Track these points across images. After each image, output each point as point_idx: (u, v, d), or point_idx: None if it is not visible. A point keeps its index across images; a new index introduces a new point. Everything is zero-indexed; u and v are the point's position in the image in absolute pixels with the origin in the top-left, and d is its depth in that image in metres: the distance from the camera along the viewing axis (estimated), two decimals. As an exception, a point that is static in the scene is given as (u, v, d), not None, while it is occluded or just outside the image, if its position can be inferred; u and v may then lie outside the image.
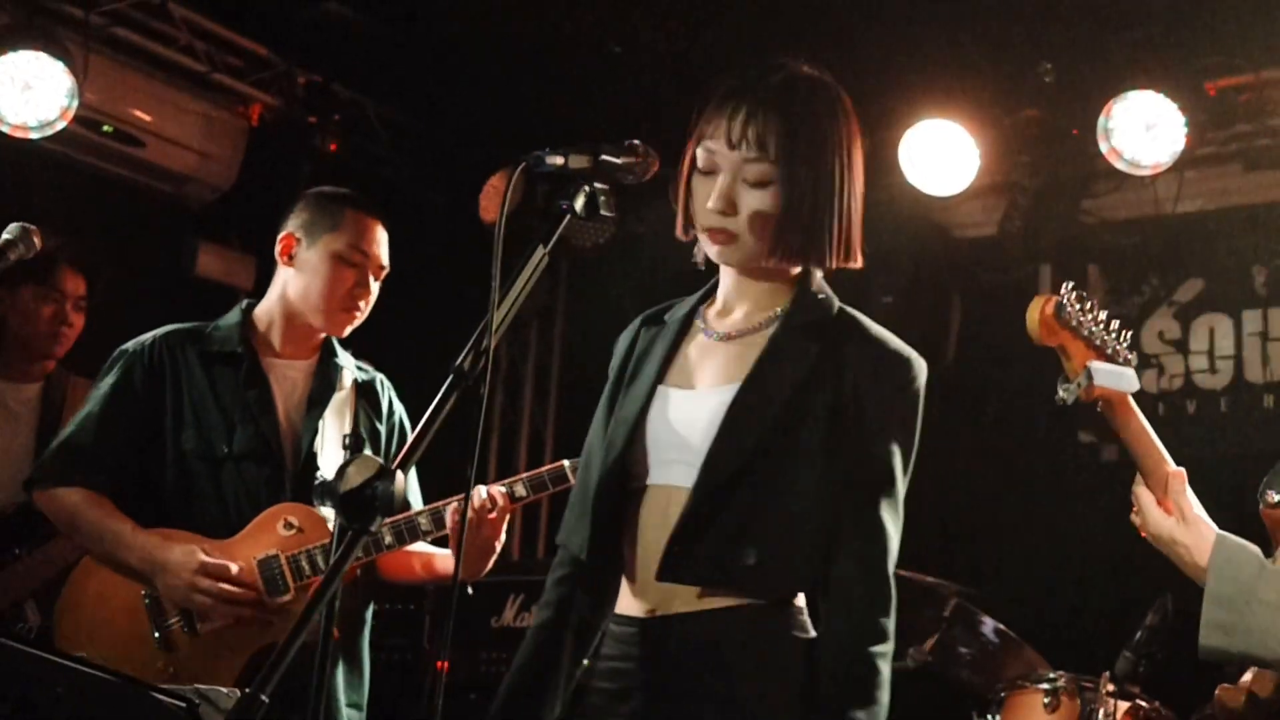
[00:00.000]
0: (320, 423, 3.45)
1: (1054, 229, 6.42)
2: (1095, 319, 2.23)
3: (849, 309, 2.51)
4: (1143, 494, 2.25)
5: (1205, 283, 6.39)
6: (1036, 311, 2.21)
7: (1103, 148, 5.61)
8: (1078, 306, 2.20)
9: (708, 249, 2.46)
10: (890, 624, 2.33)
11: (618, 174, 2.22)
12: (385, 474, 1.74)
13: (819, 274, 2.52)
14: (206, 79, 5.93)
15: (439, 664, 3.33)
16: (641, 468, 2.43)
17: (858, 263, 2.47)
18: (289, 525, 3.31)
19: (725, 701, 2.31)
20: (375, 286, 3.54)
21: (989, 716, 4.63)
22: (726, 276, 2.54)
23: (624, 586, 2.45)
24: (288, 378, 3.50)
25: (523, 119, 5.86)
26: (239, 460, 3.37)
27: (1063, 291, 2.21)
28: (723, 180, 2.40)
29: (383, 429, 3.57)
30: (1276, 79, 5.59)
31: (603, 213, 2.16)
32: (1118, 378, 2.22)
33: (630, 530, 2.42)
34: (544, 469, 3.40)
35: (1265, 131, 5.83)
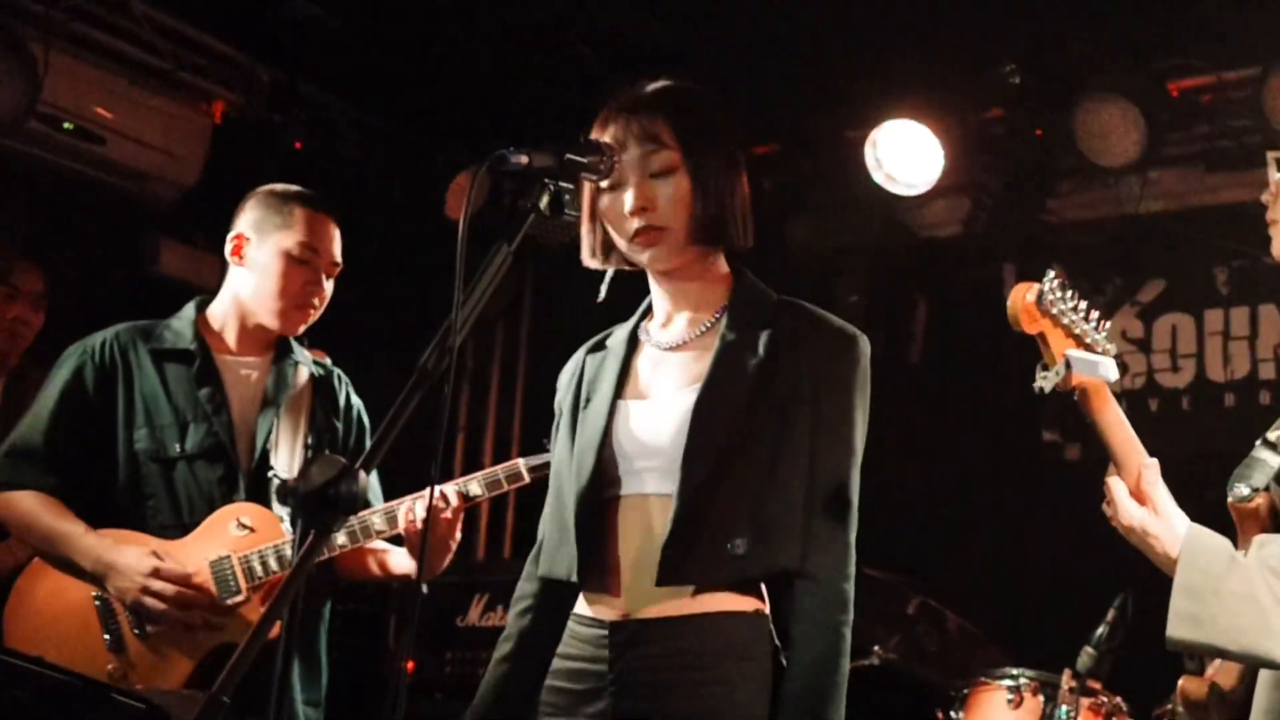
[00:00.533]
0: (275, 421, 3.42)
1: (1018, 229, 6.45)
2: (1075, 308, 2.24)
3: (786, 296, 2.58)
4: (1115, 485, 2.25)
5: (1167, 283, 6.44)
6: (1018, 298, 2.22)
7: (1066, 148, 5.64)
8: (1058, 295, 2.21)
9: (638, 257, 2.51)
10: (852, 592, 2.41)
11: (582, 173, 2.23)
12: (348, 474, 1.73)
13: (748, 273, 2.59)
14: (169, 76, 5.88)
15: (404, 664, 3.30)
16: (612, 480, 2.47)
17: (751, 242, 2.55)
18: (242, 525, 3.29)
19: (698, 702, 2.34)
20: (329, 284, 3.52)
21: (952, 713, 4.66)
22: (661, 289, 2.59)
23: (590, 595, 2.48)
24: (242, 376, 3.47)
25: (488, 118, 5.85)
26: (191, 460, 3.34)
27: (1045, 279, 2.21)
28: (632, 182, 2.46)
29: (340, 425, 3.55)
30: (1238, 80, 5.63)
31: (567, 211, 2.16)
32: (1096, 366, 2.23)
33: (607, 540, 2.46)
34: (499, 467, 3.38)
35: (1227, 132, 5.87)
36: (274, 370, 3.50)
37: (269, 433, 3.40)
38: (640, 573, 2.40)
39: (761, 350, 2.46)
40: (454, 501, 3.27)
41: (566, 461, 2.55)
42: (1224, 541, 2.18)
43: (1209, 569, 2.13)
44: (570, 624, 2.50)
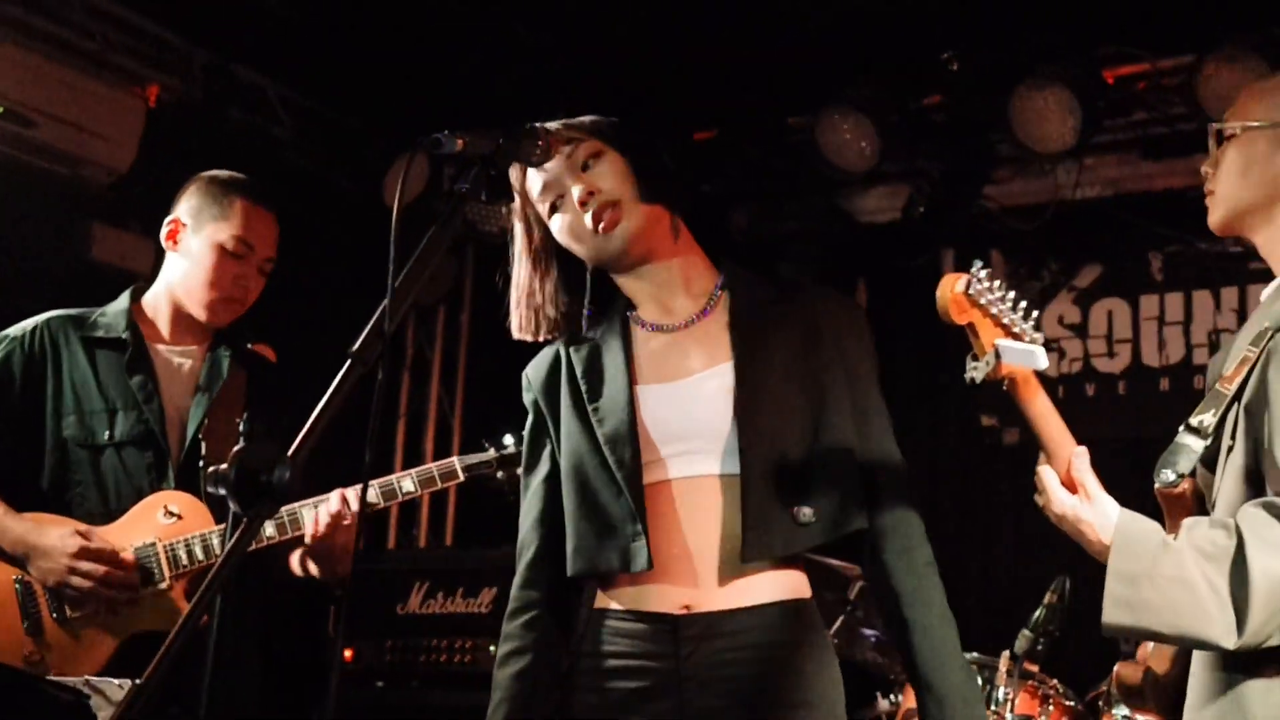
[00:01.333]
0: (207, 411, 3.39)
1: (956, 215, 6.50)
2: (1003, 298, 2.24)
3: (776, 274, 2.64)
4: (1046, 474, 2.27)
5: (1104, 268, 6.50)
6: (947, 289, 2.22)
7: (1004, 135, 5.69)
8: (986, 285, 2.22)
9: (605, 249, 2.49)
10: (925, 535, 2.52)
11: (520, 158, 2.21)
12: (280, 461, 1.71)
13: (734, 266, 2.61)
14: (102, 58, 5.79)
15: (341, 652, 3.28)
16: (656, 466, 2.43)
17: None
18: (169, 513, 3.26)
19: (775, 692, 2.35)
20: (261, 279, 3.48)
21: (892, 697, 4.69)
22: (644, 275, 2.55)
23: (635, 584, 2.43)
24: (175, 364, 3.43)
25: (428, 102, 5.81)
26: (120, 447, 3.30)
27: (973, 270, 2.22)
28: (569, 183, 2.48)
29: (274, 418, 3.51)
30: (1172, 68, 5.69)
31: (505, 196, 2.15)
32: (1026, 356, 2.24)
33: (662, 528, 2.41)
34: (434, 465, 3.37)
35: (1162, 120, 5.93)
36: (208, 359, 3.46)
37: (200, 422, 3.37)
38: (705, 558, 2.39)
39: (780, 324, 2.50)
40: (354, 506, 3.21)
41: (588, 454, 2.48)
42: (1155, 526, 2.21)
43: (1141, 554, 2.15)
44: (610, 621, 2.45)
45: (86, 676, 2.65)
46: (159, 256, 3.57)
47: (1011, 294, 2.27)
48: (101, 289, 3.60)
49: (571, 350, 2.59)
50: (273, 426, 3.46)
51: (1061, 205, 6.32)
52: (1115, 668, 2.49)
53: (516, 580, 2.59)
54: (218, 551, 3.21)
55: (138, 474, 3.30)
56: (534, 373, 2.64)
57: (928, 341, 6.52)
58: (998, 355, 2.22)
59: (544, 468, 2.59)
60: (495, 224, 6.56)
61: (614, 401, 2.48)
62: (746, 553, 2.36)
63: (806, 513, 2.40)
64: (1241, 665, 2.17)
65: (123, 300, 3.49)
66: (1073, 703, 4.46)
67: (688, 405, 2.44)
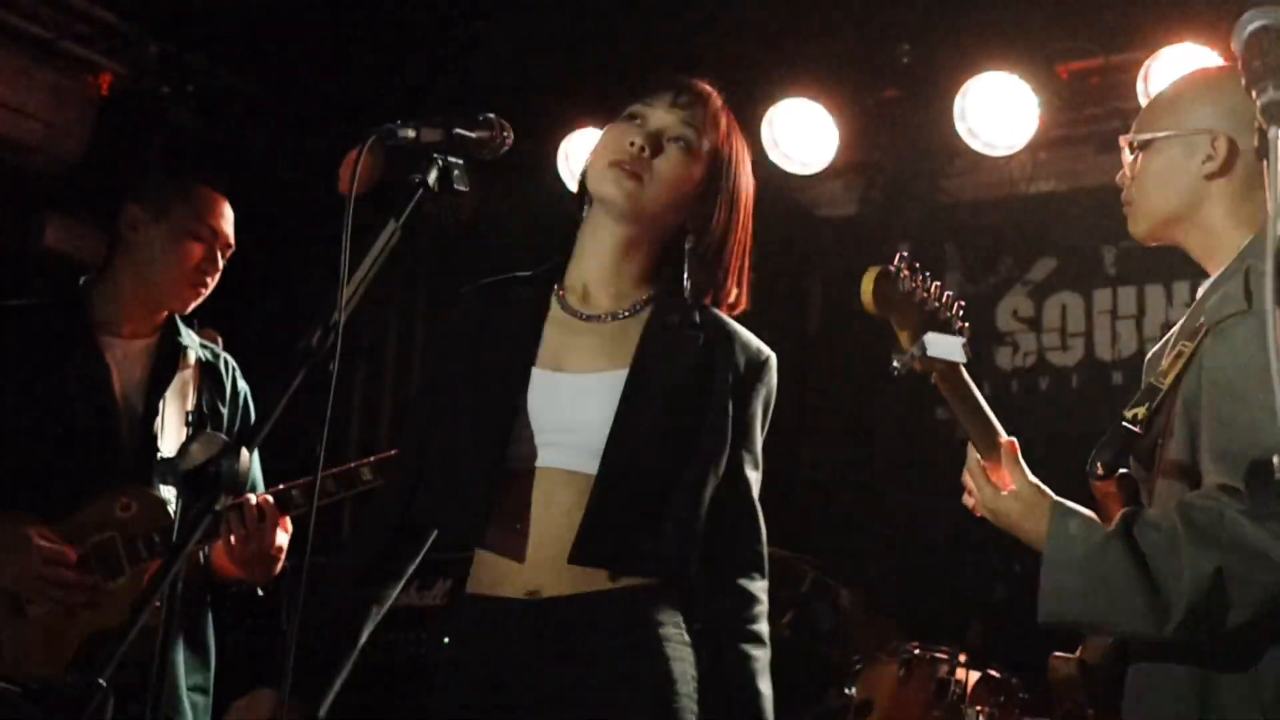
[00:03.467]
0: (161, 403, 3.36)
1: (912, 208, 6.53)
2: (926, 288, 2.24)
3: (709, 306, 2.59)
4: (973, 474, 2.28)
5: (1058, 262, 6.54)
6: (869, 283, 2.22)
7: (959, 129, 5.71)
8: (908, 275, 2.21)
9: (605, 186, 2.47)
10: (764, 595, 2.51)
11: (472, 148, 2.21)
12: (229, 451, 1.70)
13: (681, 288, 2.57)
14: (53, 46, 5.73)
15: (293, 647, 3.26)
16: (526, 450, 2.42)
17: (738, 295, 2.62)
18: (125, 507, 3.23)
19: (615, 680, 2.35)
20: (221, 264, 3.51)
21: (845, 688, 4.71)
22: (592, 255, 2.54)
23: (489, 567, 2.43)
24: (128, 356, 3.41)
25: (384, 92, 5.78)
26: (73, 441, 3.27)
27: (894, 261, 2.22)
28: (651, 127, 2.49)
29: (225, 410, 3.50)
30: (1125, 63, 5.72)
31: (457, 187, 2.14)
32: (950, 348, 2.24)
33: (514, 511, 2.41)
34: (364, 463, 3.36)
35: (1115, 114, 5.96)
36: (160, 351, 3.44)
37: (155, 414, 3.34)
38: (549, 548, 2.37)
39: (689, 353, 2.48)
40: (269, 510, 3.20)
41: (465, 417, 2.48)
42: (1090, 517, 2.22)
43: (1075, 545, 2.16)
44: (469, 606, 2.46)
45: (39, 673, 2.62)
46: (112, 246, 3.55)
47: (935, 284, 2.26)
48: (51, 279, 3.59)
49: (486, 304, 2.59)
50: (220, 421, 3.47)
51: (1016, 199, 6.36)
52: (1051, 660, 2.49)
53: (368, 510, 2.66)
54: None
55: (91, 468, 3.27)
56: (445, 318, 2.66)
57: (881, 335, 6.55)
58: (922, 349, 2.22)
59: (425, 409, 2.61)
60: (450, 216, 6.55)
61: (504, 376, 2.47)
62: (573, 554, 2.36)
63: (648, 540, 2.39)
64: (1195, 657, 2.18)
65: (76, 292, 3.47)
66: (1026, 694, 4.50)
67: (575, 399, 2.44)
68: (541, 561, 2.38)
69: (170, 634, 1.71)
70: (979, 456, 2.28)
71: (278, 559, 3.30)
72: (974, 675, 4.45)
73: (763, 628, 2.48)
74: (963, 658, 4.44)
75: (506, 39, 5.58)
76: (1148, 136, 2.43)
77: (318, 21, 5.79)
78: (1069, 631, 2.35)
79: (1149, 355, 2.52)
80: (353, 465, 3.35)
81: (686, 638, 2.43)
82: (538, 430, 2.42)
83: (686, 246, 2.54)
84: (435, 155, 2.12)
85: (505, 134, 2.25)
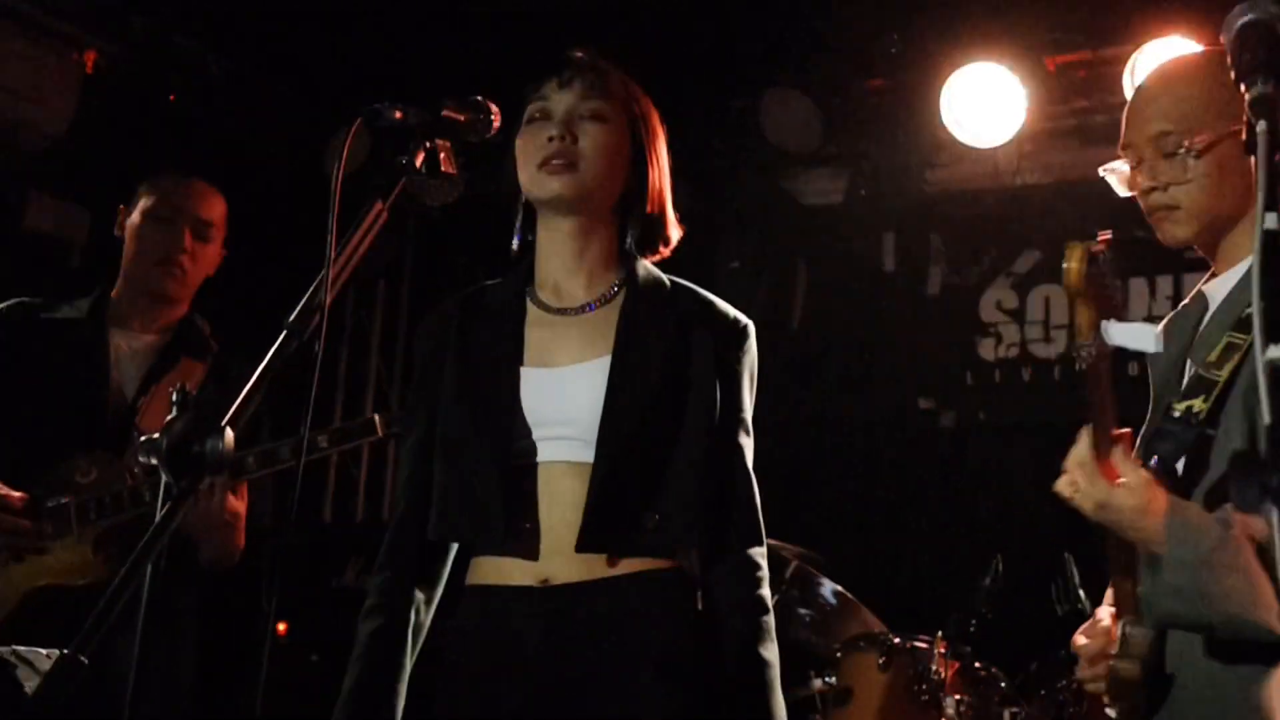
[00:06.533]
0: (154, 387, 3.39)
1: (899, 198, 6.53)
2: (1114, 272, 2.19)
3: (676, 278, 2.62)
4: (1083, 465, 2.14)
5: (1042, 254, 6.55)
6: (1080, 261, 2.17)
7: (946, 119, 5.72)
8: (1107, 260, 2.16)
9: (541, 189, 2.49)
10: (765, 560, 2.53)
11: (459, 130, 2.20)
12: (214, 430, 1.69)
13: (643, 259, 2.61)
14: (38, 22, 5.69)
15: (274, 625, 3.27)
16: (525, 446, 2.45)
17: (674, 235, 2.64)
18: (85, 472, 3.26)
19: (627, 658, 2.36)
20: (202, 245, 3.54)
21: (825, 677, 4.72)
22: (554, 244, 2.56)
23: (497, 561, 2.44)
24: (134, 348, 3.47)
25: (371, 73, 5.75)
26: (63, 419, 3.31)
27: (1099, 244, 2.17)
28: (558, 116, 2.49)
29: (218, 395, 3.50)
30: (1112, 57, 5.73)
31: (444, 170, 2.13)
32: (1141, 336, 2.18)
33: (523, 510, 2.43)
34: (352, 422, 3.33)
35: (1102, 108, 5.97)
36: (166, 348, 3.50)
37: (143, 395, 3.37)
38: (560, 539, 2.40)
39: (666, 329, 2.50)
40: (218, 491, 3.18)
41: (464, 426, 2.49)
42: (1208, 514, 2.15)
43: (1199, 542, 2.09)
44: (476, 596, 2.47)
45: (14, 647, 2.62)
46: (94, 224, 3.60)
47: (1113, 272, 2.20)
48: (34, 257, 3.61)
49: (466, 315, 2.59)
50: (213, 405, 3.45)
51: (1002, 191, 6.37)
52: (1112, 664, 2.35)
53: (386, 539, 2.60)
54: (128, 504, 3.21)
55: (75, 441, 3.30)
56: (425, 333, 2.65)
57: (866, 324, 6.56)
58: (1111, 335, 2.15)
59: (421, 429, 2.58)
60: (436, 198, 6.53)
61: (498, 379, 2.49)
62: (580, 543, 2.38)
63: (654, 518, 2.41)
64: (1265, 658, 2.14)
65: (95, 288, 3.56)
66: (1004, 683, 4.52)
67: (564, 393, 2.46)
68: (553, 554, 2.40)
69: (149, 611, 1.71)
70: (1092, 448, 2.16)
71: (231, 528, 3.27)
72: (953, 665, 4.47)
73: (764, 593, 2.49)
74: (942, 648, 4.46)
75: (497, 20, 5.56)
76: (1209, 138, 2.34)
77: (305, 1, 5.76)
78: (1178, 628, 2.25)
79: (1156, 352, 2.37)
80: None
81: (697, 611, 2.46)
82: (535, 426, 2.45)
83: (638, 212, 2.57)
84: (422, 137, 2.11)
85: (492, 116, 2.25)
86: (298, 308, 1.90)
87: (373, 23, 5.81)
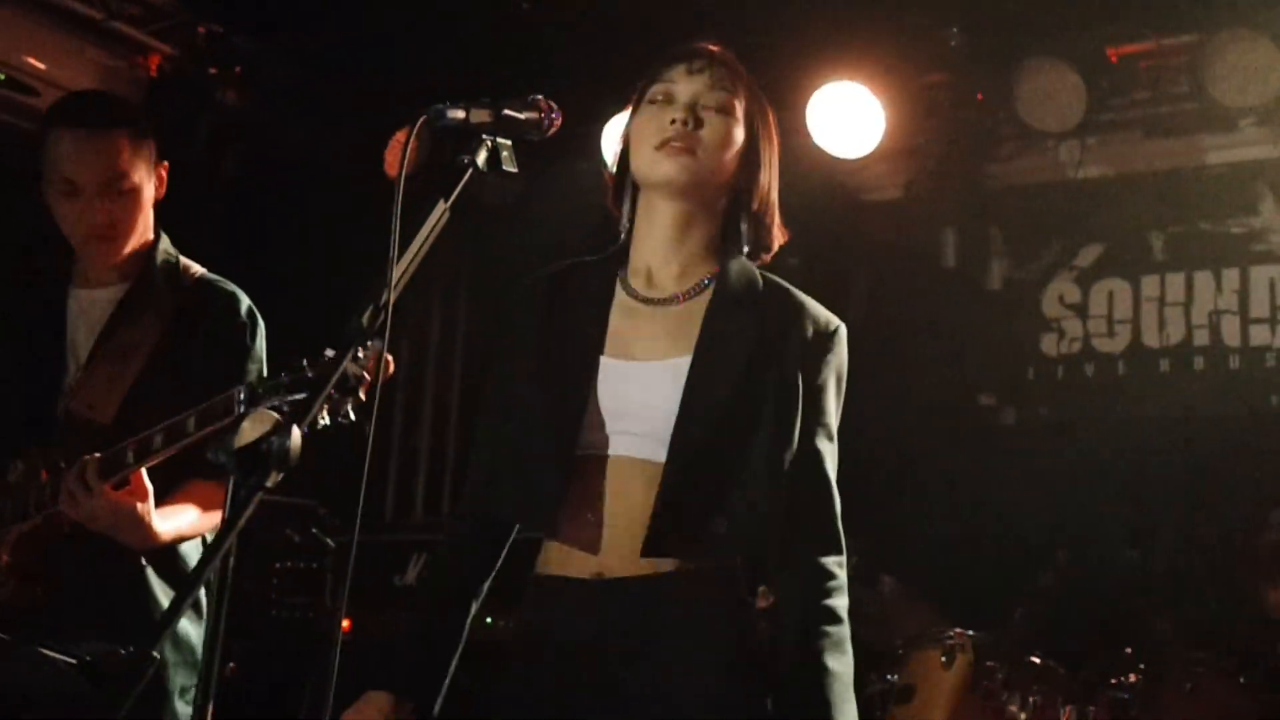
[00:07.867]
0: (96, 358, 3.12)
1: (958, 193, 6.49)
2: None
3: (771, 275, 2.58)
4: None
5: (1105, 248, 6.50)
6: None
7: (1008, 112, 5.68)
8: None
9: (655, 170, 2.46)
10: (843, 574, 2.46)
11: (521, 129, 2.20)
12: (281, 429, 1.71)
13: (741, 253, 2.57)
14: (104, 27, 5.78)
15: (339, 622, 3.26)
16: (596, 438, 2.42)
17: (778, 239, 2.61)
18: (14, 470, 3.05)
19: (682, 654, 2.35)
20: (117, 197, 3.13)
21: (887, 674, 4.70)
22: (652, 238, 2.53)
23: (560, 553, 2.44)
24: (94, 304, 3.20)
25: (430, 73, 5.79)
26: (19, 385, 3.15)
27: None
28: (683, 100, 2.47)
29: (204, 346, 3.18)
30: (1176, 47, 5.67)
31: (505, 168, 2.15)
32: None
33: (587, 501, 2.41)
34: (214, 400, 2.76)
35: (1165, 99, 5.92)
36: (126, 299, 3.19)
37: (79, 366, 3.14)
38: (622, 536, 2.38)
39: (753, 329, 2.46)
40: (90, 483, 2.86)
41: (535, 407, 2.48)
42: None
43: None
44: (539, 587, 2.46)
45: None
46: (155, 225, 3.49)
47: None
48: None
49: (556, 291, 2.58)
50: (190, 360, 3.11)
51: (1064, 184, 6.32)
52: None
53: (462, 500, 2.63)
54: (32, 510, 2.98)
55: (32, 412, 3.12)
56: (514, 302, 2.62)
57: (927, 320, 6.53)
58: None
59: (499, 403, 2.59)
60: (496, 197, 6.57)
61: (573, 365, 2.47)
62: (645, 548, 2.35)
63: (722, 523, 2.38)
64: None
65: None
66: (1067, 680, 4.49)
67: (642, 389, 2.43)
68: (613, 549, 2.39)
69: (219, 617, 1.71)
70: None
71: (132, 521, 2.90)
72: (1017, 662, 4.44)
73: (836, 603, 2.43)
74: (1006, 644, 4.43)
75: (553, 20, 5.58)
76: None
77: (364, 3, 5.80)
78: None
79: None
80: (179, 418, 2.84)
81: (755, 610, 2.43)
82: (608, 418, 2.42)
83: (745, 210, 2.54)
84: (484, 136, 2.12)
85: (553, 115, 2.25)
86: (362, 306, 1.91)
87: (432, 24, 5.84)
